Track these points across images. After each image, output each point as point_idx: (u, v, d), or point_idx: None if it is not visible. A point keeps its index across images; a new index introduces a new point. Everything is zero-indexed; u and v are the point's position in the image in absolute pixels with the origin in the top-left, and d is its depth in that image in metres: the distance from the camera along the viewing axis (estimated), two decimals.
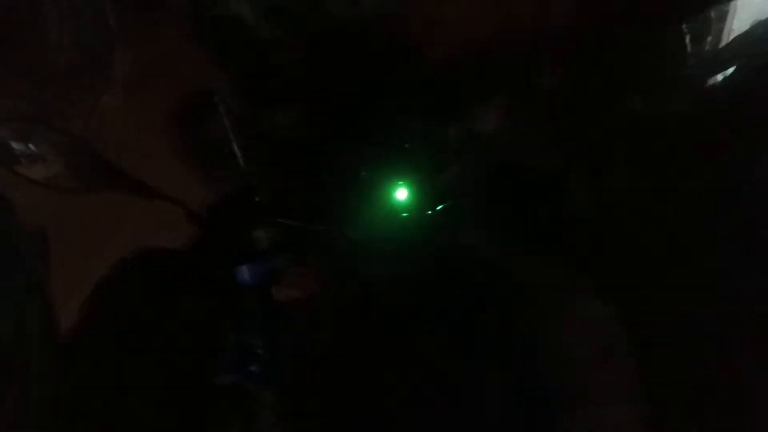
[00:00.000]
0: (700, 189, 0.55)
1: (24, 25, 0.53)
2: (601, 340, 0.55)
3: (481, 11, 0.63)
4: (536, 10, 0.61)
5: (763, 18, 0.60)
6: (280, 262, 0.63)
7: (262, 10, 0.58)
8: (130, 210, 0.60)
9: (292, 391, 0.60)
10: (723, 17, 0.65)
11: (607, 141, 0.61)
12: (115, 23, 0.54)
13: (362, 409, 0.58)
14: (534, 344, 0.57)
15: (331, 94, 0.64)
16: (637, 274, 0.55)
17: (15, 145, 0.56)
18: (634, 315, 0.54)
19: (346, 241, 0.65)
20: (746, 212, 0.51)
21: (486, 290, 0.60)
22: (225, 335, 0.60)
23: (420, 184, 0.65)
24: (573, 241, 0.59)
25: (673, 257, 0.54)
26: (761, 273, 0.49)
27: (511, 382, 0.56)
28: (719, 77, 0.65)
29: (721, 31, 0.66)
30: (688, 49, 0.62)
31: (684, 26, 0.61)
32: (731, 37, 0.64)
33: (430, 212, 0.64)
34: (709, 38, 0.66)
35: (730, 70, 0.62)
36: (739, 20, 0.64)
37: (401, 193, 0.64)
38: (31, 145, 0.55)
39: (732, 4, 0.64)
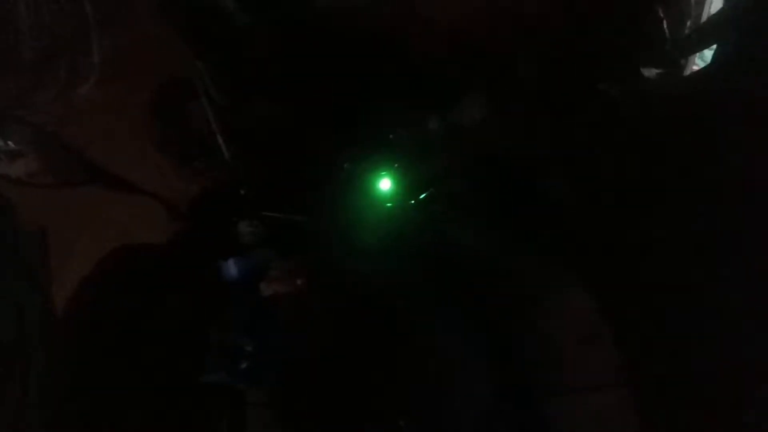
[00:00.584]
0: (682, 177, 0.55)
1: None
2: (583, 327, 0.55)
3: (462, 3, 0.63)
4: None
5: None
6: (266, 256, 0.63)
7: None
8: (111, 206, 0.59)
9: (283, 388, 0.60)
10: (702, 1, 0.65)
11: (586, 129, 0.62)
12: (90, 10, 0.52)
13: (352, 403, 0.58)
14: (518, 331, 0.58)
15: (313, 85, 0.64)
16: (616, 261, 0.56)
17: None
18: (614, 302, 0.55)
19: (332, 233, 0.65)
20: (722, 196, 0.51)
21: (468, 279, 0.60)
22: (212, 333, 0.58)
23: (403, 175, 0.65)
24: (554, 229, 0.59)
25: (652, 245, 0.55)
26: (734, 254, 0.49)
27: (495, 370, 0.57)
28: (697, 60, 0.65)
29: (699, 16, 0.66)
30: (667, 34, 0.63)
31: (660, 11, 0.61)
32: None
33: (413, 201, 0.64)
34: (689, 23, 0.66)
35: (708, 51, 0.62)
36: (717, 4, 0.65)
37: (385, 184, 0.65)
38: (9, 142, 0.55)
39: None
